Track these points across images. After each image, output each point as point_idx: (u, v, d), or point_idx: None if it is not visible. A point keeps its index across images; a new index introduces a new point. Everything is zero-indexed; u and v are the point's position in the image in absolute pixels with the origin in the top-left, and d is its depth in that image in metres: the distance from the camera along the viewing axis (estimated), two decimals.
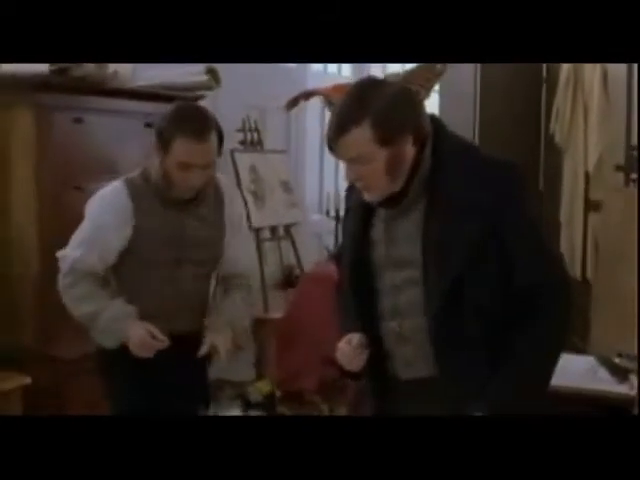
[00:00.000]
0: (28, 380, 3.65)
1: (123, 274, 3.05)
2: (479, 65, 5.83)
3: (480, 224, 2.19)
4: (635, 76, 5.35)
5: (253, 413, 2.80)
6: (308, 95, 4.06)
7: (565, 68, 5.67)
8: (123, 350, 2.95)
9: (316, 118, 6.74)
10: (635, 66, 5.33)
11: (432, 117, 2.33)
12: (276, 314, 4.88)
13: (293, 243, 5.69)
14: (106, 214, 2.99)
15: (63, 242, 3.98)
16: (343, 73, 7.17)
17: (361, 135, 2.18)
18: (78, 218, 4.08)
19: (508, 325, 2.22)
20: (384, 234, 2.34)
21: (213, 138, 2.90)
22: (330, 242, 6.48)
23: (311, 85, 6.56)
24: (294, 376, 3.34)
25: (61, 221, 4.03)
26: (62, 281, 3.06)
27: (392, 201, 2.29)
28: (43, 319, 3.96)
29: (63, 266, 3.06)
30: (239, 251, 3.17)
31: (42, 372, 3.78)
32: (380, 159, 2.20)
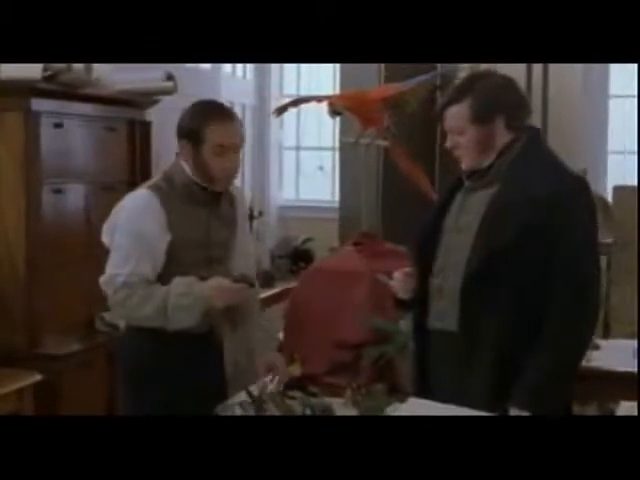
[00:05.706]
0: (39, 377, 3.72)
1: (162, 281, 2.98)
2: None
3: (536, 215, 2.55)
4: (534, 81, 5.81)
5: (291, 394, 3.04)
6: (298, 102, 4.31)
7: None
8: (151, 353, 2.97)
9: None
10: (534, 72, 5.79)
11: (531, 126, 2.75)
12: None
13: None
14: (145, 223, 2.95)
15: (45, 243, 4.10)
16: (247, 77, 7.41)
17: (459, 112, 2.65)
18: (59, 220, 4.23)
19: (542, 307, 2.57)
20: (460, 202, 2.73)
21: (238, 119, 3.03)
22: None
23: (223, 88, 6.80)
24: (302, 361, 3.60)
25: (44, 223, 4.14)
26: (114, 298, 2.96)
27: (478, 174, 2.69)
28: (31, 318, 4.06)
29: (113, 285, 2.95)
30: (248, 248, 3.27)
31: (36, 370, 3.84)
32: (471, 134, 2.64)
